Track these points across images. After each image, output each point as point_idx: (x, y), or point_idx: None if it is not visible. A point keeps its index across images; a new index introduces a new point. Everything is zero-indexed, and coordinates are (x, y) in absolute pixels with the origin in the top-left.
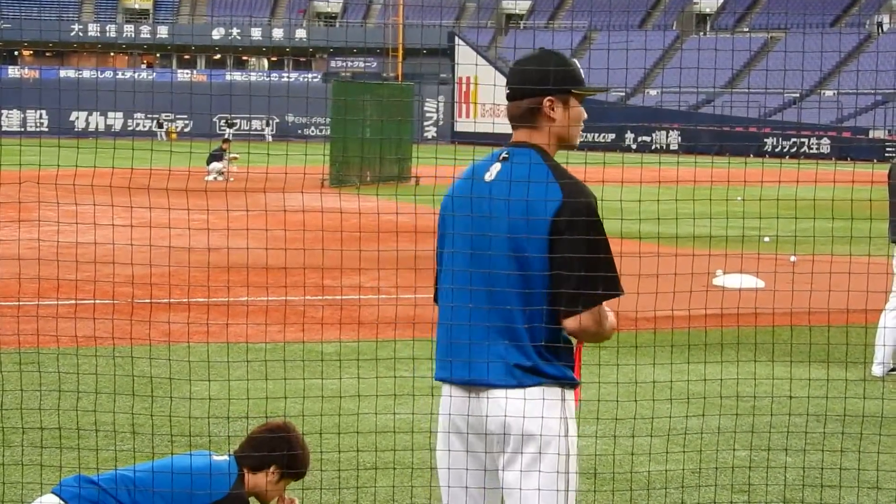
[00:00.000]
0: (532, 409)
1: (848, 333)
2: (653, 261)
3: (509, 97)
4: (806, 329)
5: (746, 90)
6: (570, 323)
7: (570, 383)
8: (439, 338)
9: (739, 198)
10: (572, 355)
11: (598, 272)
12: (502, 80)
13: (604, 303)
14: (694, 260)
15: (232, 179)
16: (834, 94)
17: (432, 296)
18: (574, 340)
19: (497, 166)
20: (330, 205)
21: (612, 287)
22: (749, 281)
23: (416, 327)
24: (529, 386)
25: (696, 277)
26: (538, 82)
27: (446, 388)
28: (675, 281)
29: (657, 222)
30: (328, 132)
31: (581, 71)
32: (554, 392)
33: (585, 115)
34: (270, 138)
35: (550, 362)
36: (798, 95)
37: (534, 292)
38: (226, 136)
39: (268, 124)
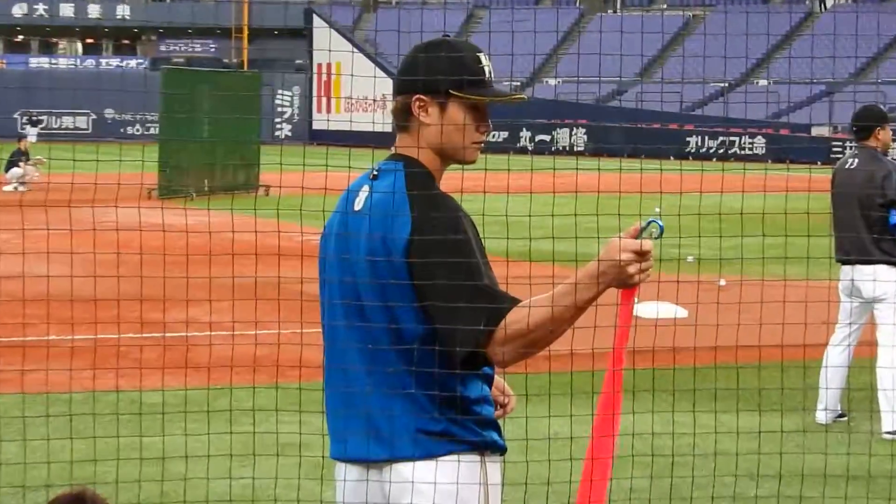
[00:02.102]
0: (446, 482)
1: (784, 373)
2: (547, 287)
3: (393, 93)
4: (733, 368)
5: (663, 80)
6: (463, 355)
7: (492, 447)
8: (328, 405)
9: (657, 209)
10: (493, 407)
11: (472, 289)
12: (370, 68)
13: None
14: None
15: (30, 188)
16: (768, 83)
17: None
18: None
19: (365, 190)
20: (154, 220)
21: (491, 297)
22: (667, 310)
23: (259, 371)
24: (441, 455)
25: (601, 307)
26: (403, 78)
27: (340, 469)
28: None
29: (552, 239)
30: (157, 131)
31: (484, 69)
32: (471, 460)
33: (473, 123)
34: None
35: (461, 425)
36: (725, 85)
37: (413, 344)
38: (27, 136)
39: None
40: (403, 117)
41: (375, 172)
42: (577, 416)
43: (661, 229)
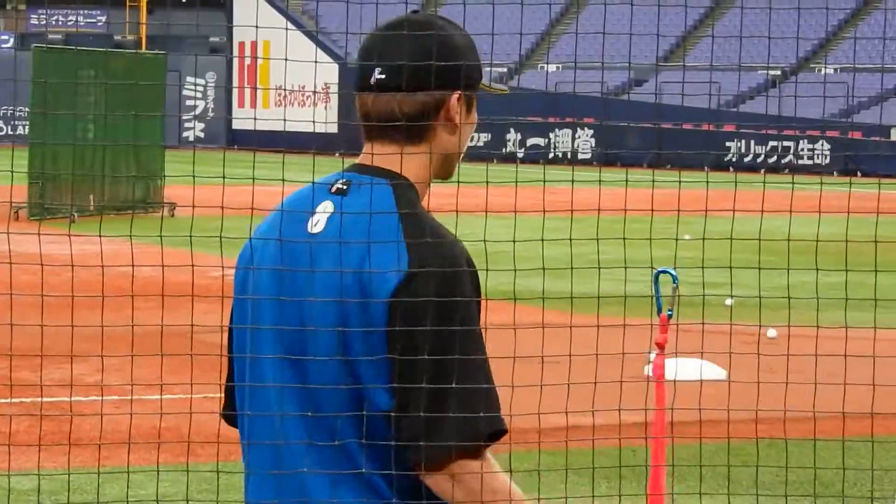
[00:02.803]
0: None
1: (846, 451)
2: (545, 336)
3: (382, 84)
4: (781, 444)
5: (695, 65)
6: (426, 477)
7: None
8: (248, 488)
9: (688, 236)
10: None
11: (468, 393)
12: (307, 48)
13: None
14: (614, 335)
15: None
16: (835, 71)
17: (221, 412)
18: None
19: (327, 207)
20: (27, 249)
21: (490, 421)
22: (697, 368)
23: (165, 449)
24: None
25: (614, 363)
26: (445, 67)
27: None
28: (569, 367)
29: (549, 274)
30: (26, 131)
31: None
32: None
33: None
34: None
35: None
36: (778, 74)
37: (375, 417)
38: None
39: None
40: (422, 118)
41: (341, 186)
42: (573, 499)
43: (675, 279)
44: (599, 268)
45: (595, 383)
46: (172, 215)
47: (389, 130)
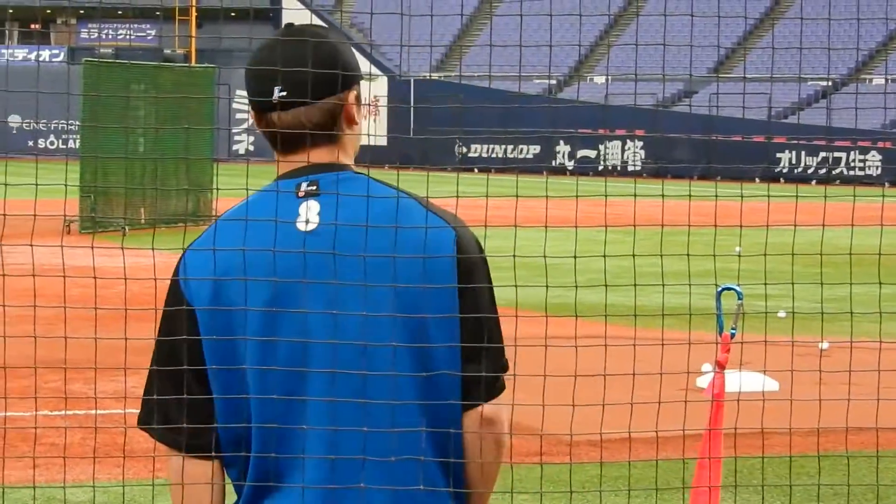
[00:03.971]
0: None
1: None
2: (598, 351)
3: (285, 102)
4: (841, 458)
5: (744, 77)
6: (490, 412)
7: None
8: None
9: (737, 249)
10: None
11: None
12: (358, 60)
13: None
14: (665, 350)
15: None
16: (886, 82)
17: (186, 445)
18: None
19: (311, 207)
20: (79, 262)
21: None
22: (753, 381)
23: None
24: None
25: (667, 378)
26: (335, 68)
27: None
28: (633, 384)
29: (605, 289)
30: (77, 144)
31: None
32: None
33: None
34: None
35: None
36: (828, 85)
37: (440, 384)
38: None
39: None
40: (333, 121)
41: (309, 187)
42: None
43: (740, 296)
44: (664, 284)
45: (659, 403)
46: None
47: (316, 136)
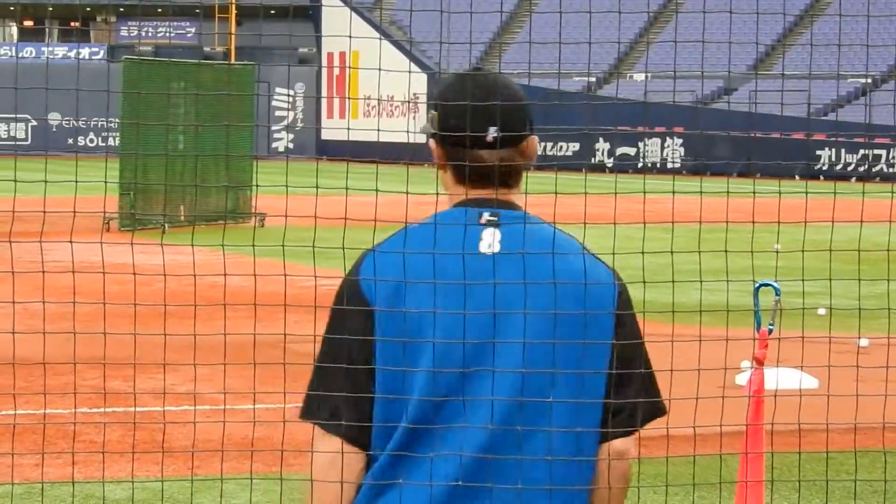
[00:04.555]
0: None
1: None
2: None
3: (496, 141)
4: (879, 455)
5: (783, 74)
6: (626, 447)
7: None
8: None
9: (776, 245)
10: None
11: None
12: (395, 59)
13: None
14: (703, 347)
15: None
16: None
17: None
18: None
19: (492, 234)
20: (118, 259)
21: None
22: (791, 377)
23: (258, 458)
24: None
25: (705, 375)
26: (527, 118)
27: None
28: (671, 380)
29: (643, 285)
30: (116, 142)
31: None
32: None
33: None
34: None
35: None
36: (868, 82)
37: (587, 415)
38: None
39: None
40: (518, 171)
41: (490, 216)
42: None
43: (778, 292)
44: (701, 280)
45: (697, 399)
46: (262, 225)
47: (509, 182)
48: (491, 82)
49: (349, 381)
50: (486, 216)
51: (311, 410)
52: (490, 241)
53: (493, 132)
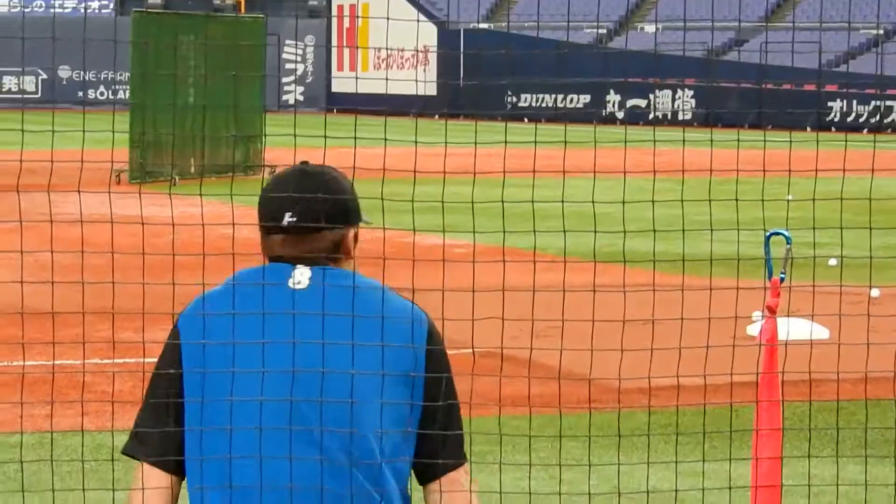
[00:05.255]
0: None
1: None
2: (647, 297)
3: (293, 226)
4: (891, 405)
5: (794, 25)
6: (458, 478)
7: None
8: None
9: (789, 196)
10: None
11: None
12: (408, 10)
13: None
14: (714, 298)
15: None
16: None
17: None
18: None
19: (304, 273)
20: (128, 212)
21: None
22: (802, 328)
23: None
24: None
25: (716, 324)
26: (345, 211)
27: None
28: (681, 330)
29: (653, 235)
30: (127, 95)
31: None
32: None
33: None
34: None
35: None
36: (879, 33)
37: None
38: None
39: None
40: (336, 250)
41: (304, 270)
42: (683, 464)
43: (789, 240)
44: (712, 229)
45: (707, 348)
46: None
47: (322, 254)
48: (318, 173)
49: None
50: (298, 269)
51: None
52: (299, 279)
53: (287, 217)
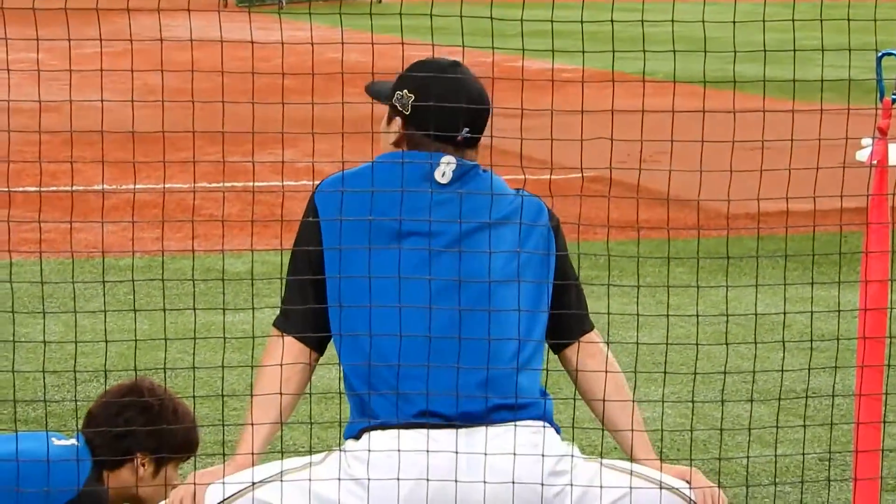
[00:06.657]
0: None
1: None
2: (756, 121)
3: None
4: None
5: None
6: (594, 337)
7: None
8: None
9: None
10: None
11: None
12: None
13: None
14: (824, 123)
15: None
16: None
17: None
18: None
19: (448, 167)
20: (236, 35)
21: None
22: None
23: None
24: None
25: (826, 150)
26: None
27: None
28: (790, 154)
29: (763, 59)
30: None
31: None
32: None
33: None
34: None
35: None
36: None
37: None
38: None
39: None
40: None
41: (449, 160)
42: (791, 288)
43: None
44: (822, 50)
45: (817, 170)
46: (380, 1)
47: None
48: (469, 81)
49: None
50: (442, 159)
51: None
52: (445, 171)
53: (464, 133)
